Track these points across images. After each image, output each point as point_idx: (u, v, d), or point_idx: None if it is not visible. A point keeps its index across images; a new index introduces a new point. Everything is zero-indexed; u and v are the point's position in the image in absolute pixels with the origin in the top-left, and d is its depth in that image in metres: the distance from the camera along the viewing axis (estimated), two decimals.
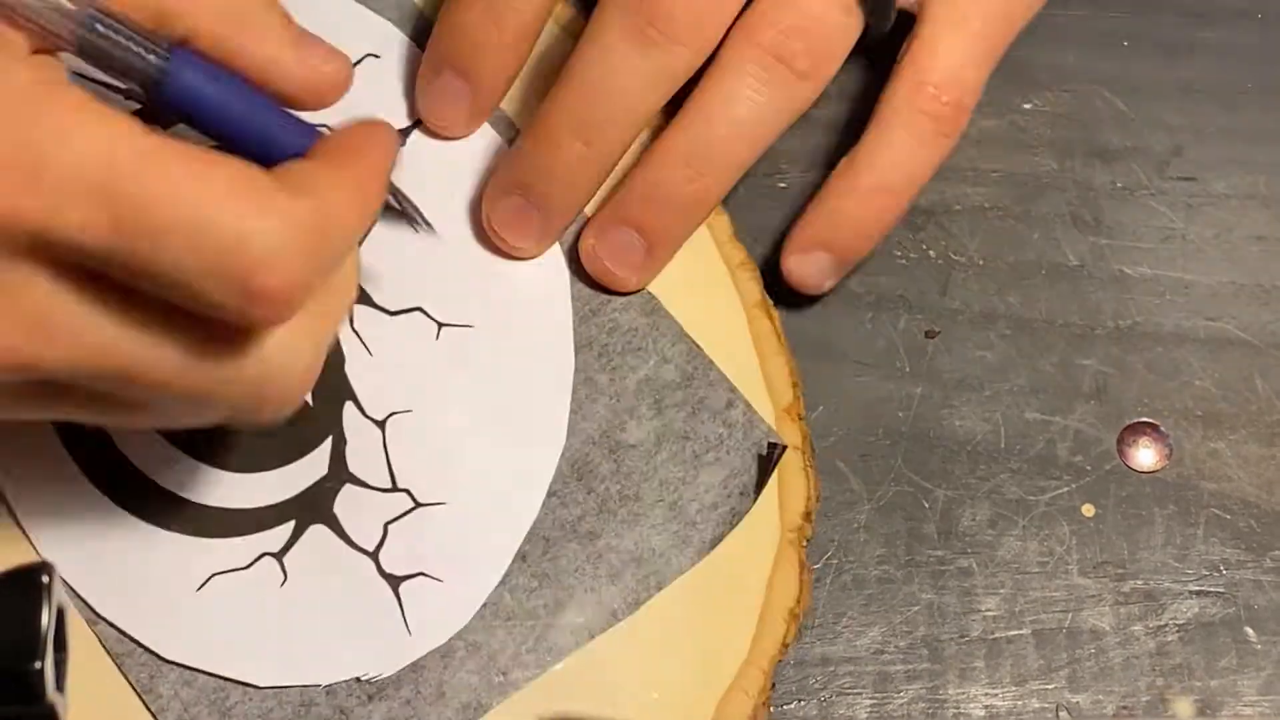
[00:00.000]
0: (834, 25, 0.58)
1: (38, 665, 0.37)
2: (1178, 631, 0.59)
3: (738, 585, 0.57)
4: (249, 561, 0.55)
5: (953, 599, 0.59)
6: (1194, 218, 0.64)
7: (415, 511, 0.56)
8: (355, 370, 0.58)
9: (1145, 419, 0.61)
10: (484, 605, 0.56)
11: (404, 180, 0.58)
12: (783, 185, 0.63)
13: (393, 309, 0.58)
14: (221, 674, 0.54)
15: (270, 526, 0.56)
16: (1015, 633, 0.59)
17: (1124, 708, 0.58)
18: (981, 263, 0.63)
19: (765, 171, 0.63)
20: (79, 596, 0.54)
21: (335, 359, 0.58)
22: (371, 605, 0.55)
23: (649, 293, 0.59)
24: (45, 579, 0.37)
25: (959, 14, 0.60)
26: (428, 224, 0.59)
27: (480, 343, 0.58)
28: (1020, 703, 0.58)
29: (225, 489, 0.56)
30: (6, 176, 0.42)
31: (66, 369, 0.45)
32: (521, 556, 0.56)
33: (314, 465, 0.57)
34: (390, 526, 0.56)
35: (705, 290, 0.60)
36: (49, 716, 0.38)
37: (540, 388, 0.58)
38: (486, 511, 0.57)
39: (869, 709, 0.57)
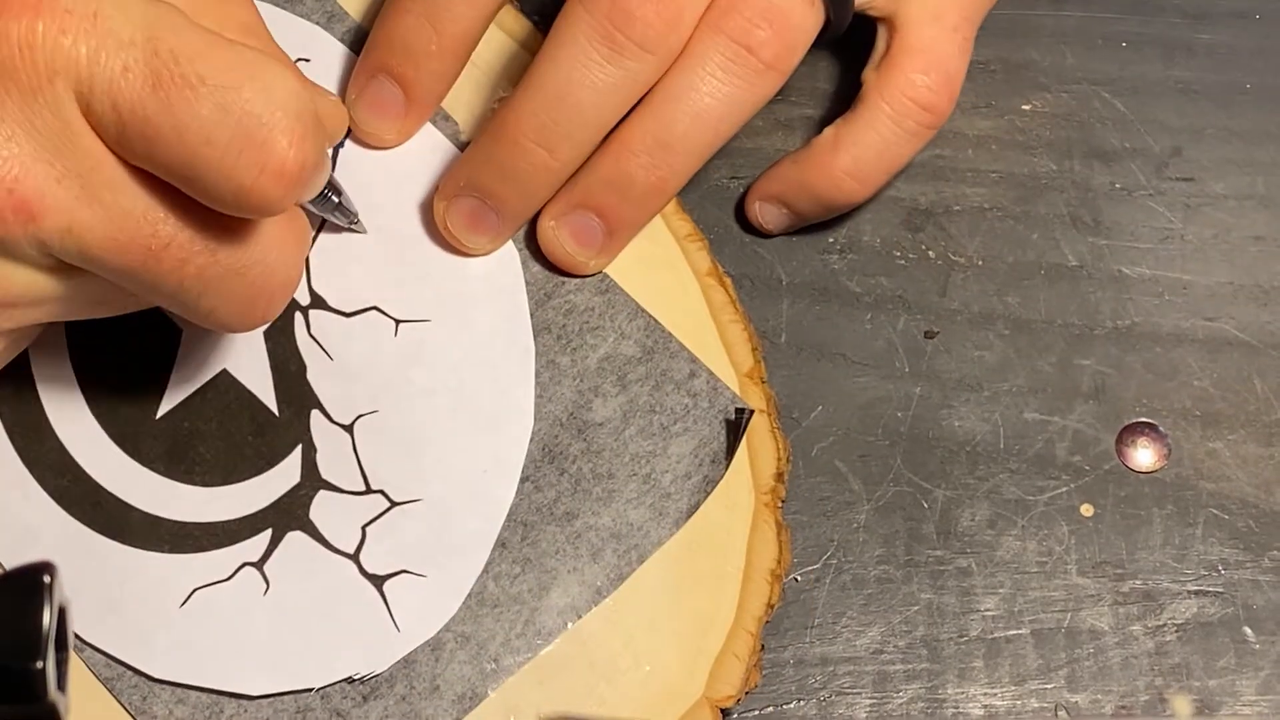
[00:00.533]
0: (798, 17, 0.58)
1: (39, 664, 0.37)
2: (1176, 631, 0.59)
3: (718, 552, 0.57)
4: (229, 573, 0.55)
5: (952, 599, 0.59)
6: (1192, 218, 0.64)
7: (392, 511, 0.56)
8: (317, 377, 0.58)
9: (1144, 419, 0.62)
10: (469, 595, 0.56)
11: (350, 173, 0.59)
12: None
13: (348, 310, 0.59)
14: (214, 688, 0.54)
15: (247, 537, 0.56)
16: (1014, 632, 0.59)
17: (1123, 707, 0.58)
18: (981, 263, 0.63)
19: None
20: None
21: (296, 368, 0.58)
22: (357, 606, 0.55)
23: (602, 272, 0.60)
24: (47, 579, 0.37)
25: (933, 10, 0.60)
26: (357, 219, 0.59)
27: (439, 336, 0.59)
28: (1019, 702, 0.58)
29: (200, 504, 0.56)
30: (71, 23, 0.45)
31: (100, 236, 0.47)
32: (501, 544, 0.56)
33: (286, 474, 0.57)
34: (368, 528, 0.56)
35: (657, 264, 0.60)
36: (50, 716, 0.38)
37: (503, 375, 0.58)
38: (462, 503, 0.57)
39: (868, 708, 0.58)
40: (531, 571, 0.56)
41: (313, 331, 0.58)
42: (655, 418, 0.58)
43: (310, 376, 0.58)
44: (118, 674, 0.54)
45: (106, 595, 0.55)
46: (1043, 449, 0.61)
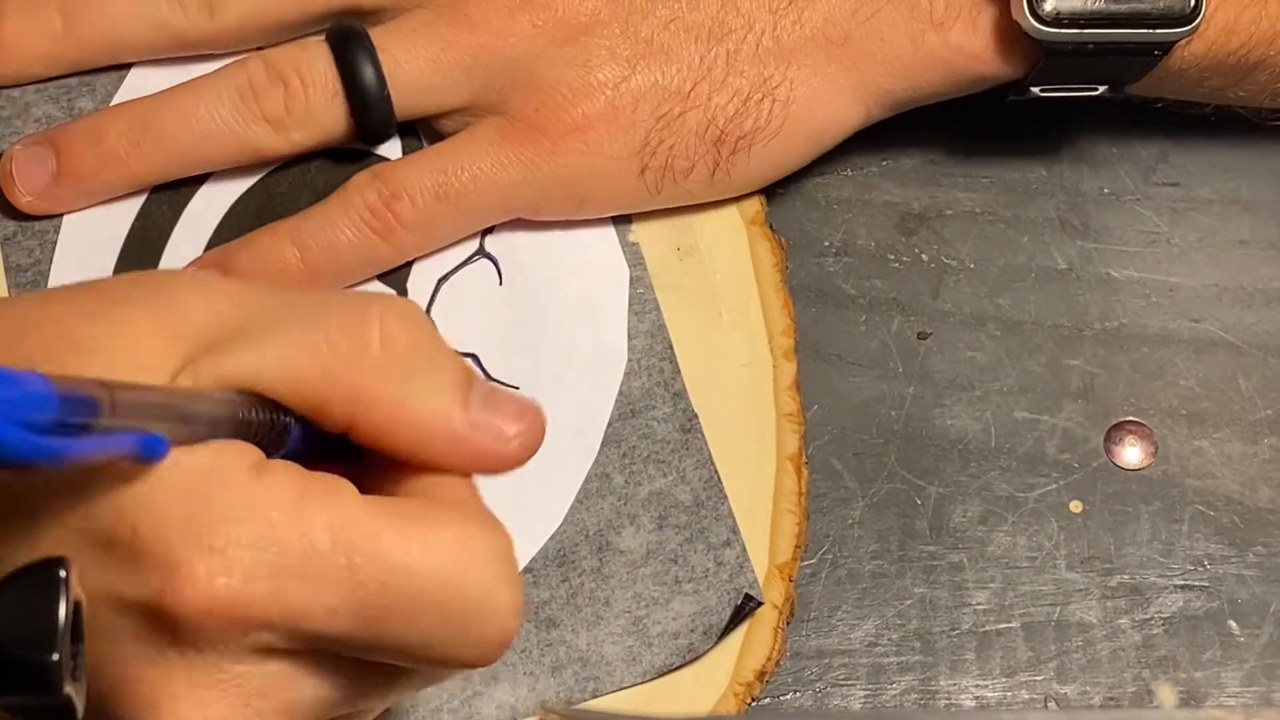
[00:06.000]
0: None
1: (55, 657, 0.37)
2: (1163, 624, 0.59)
3: (675, 707, 0.56)
4: None
5: (944, 593, 0.60)
6: (1178, 222, 0.65)
7: None
8: None
9: (1131, 418, 0.62)
10: None
11: (514, 226, 0.59)
12: None
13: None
14: None
15: None
16: (1005, 626, 0.59)
17: (1110, 698, 0.58)
18: (972, 266, 0.64)
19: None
20: None
21: None
22: None
23: (692, 410, 0.59)
24: (62, 572, 0.38)
25: None
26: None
27: None
28: (1010, 694, 0.58)
29: None
30: (253, 584, 0.40)
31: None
32: None
33: None
34: None
35: (748, 427, 0.59)
36: (66, 707, 0.38)
37: (554, 470, 0.57)
38: None
39: (863, 700, 0.58)
40: None
41: None
42: (674, 568, 0.57)
43: None
44: None
45: None
46: (1033, 447, 0.61)
